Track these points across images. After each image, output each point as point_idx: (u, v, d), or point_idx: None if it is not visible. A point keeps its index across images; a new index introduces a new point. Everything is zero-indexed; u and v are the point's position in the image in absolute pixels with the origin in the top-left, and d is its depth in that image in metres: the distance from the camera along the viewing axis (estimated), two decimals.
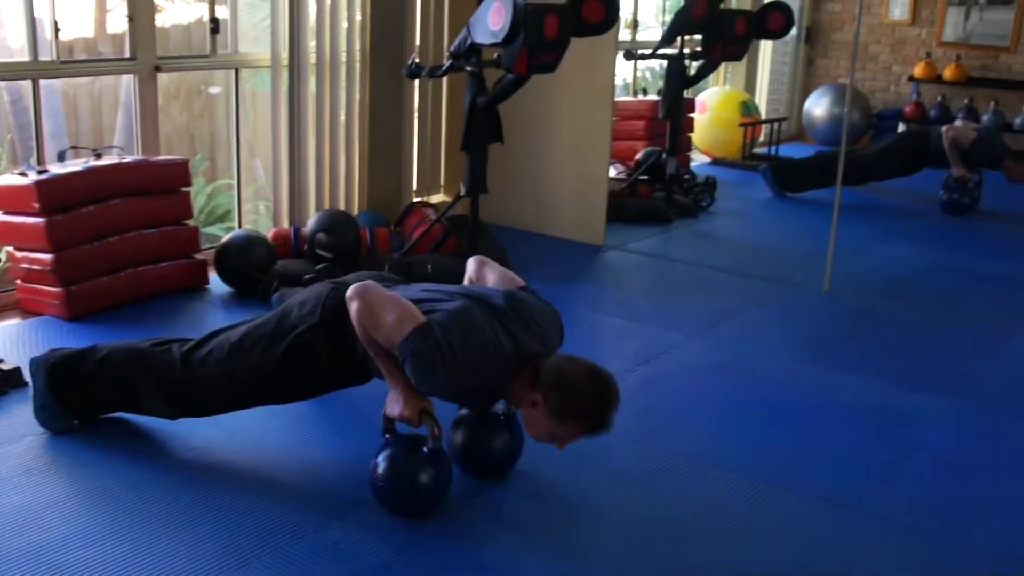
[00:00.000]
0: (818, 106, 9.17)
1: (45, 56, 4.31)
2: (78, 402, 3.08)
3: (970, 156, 6.77)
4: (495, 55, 4.51)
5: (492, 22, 4.19)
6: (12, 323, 4.06)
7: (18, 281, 4.17)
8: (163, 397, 2.95)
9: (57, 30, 4.31)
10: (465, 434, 2.93)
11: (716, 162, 8.32)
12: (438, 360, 2.47)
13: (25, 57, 4.28)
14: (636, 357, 3.99)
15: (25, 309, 4.16)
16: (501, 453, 2.94)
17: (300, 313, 2.81)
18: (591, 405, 2.56)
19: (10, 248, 4.18)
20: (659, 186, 6.56)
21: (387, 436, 2.72)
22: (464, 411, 2.97)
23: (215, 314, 4.29)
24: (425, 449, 2.66)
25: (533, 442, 2.99)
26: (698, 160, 8.32)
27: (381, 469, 2.68)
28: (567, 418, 2.55)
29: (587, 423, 2.57)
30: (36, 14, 4.22)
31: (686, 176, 7.00)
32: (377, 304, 2.56)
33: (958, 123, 7.13)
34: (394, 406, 2.65)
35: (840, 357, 4.11)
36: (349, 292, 2.62)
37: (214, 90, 7.03)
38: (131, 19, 4.52)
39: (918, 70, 9.10)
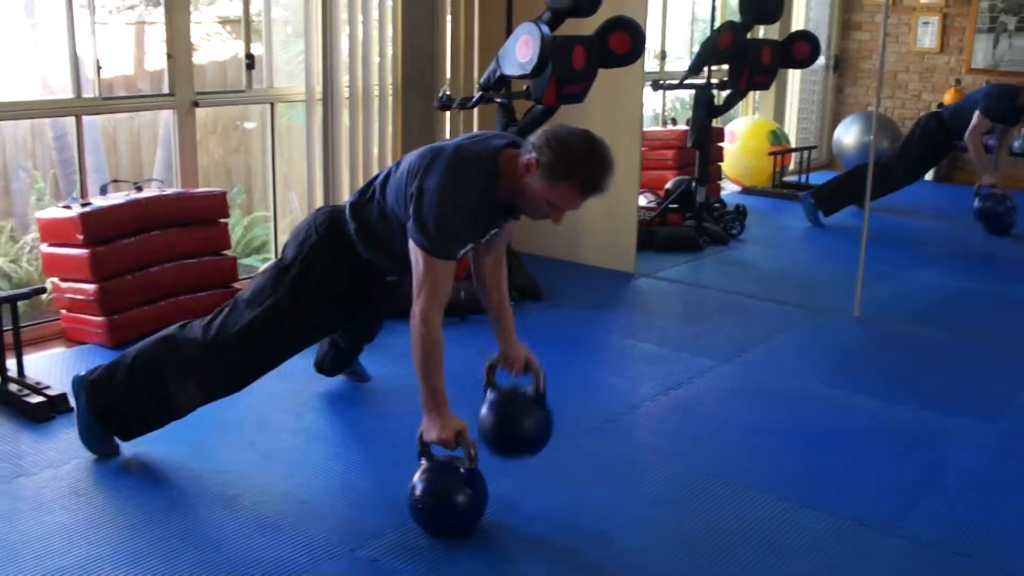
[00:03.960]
0: (848, 134, 9.19)
1: (88, 93, 4.45)
2: (117, 418, 3.13)
3: (993, 113, 6.68)
4: (524, 86, 4.59)
5: (520, 54, 4.27)
6: (57, 351, 4.17)
7: (63, 311, 4.28)
8: (193, 380, 3.00)
9: (99, 68, 4.45)
10: (495, 414, 2.95)
11: (746, 191, 8.35)
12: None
13: (68, 94, 4.42)
14: (667, 382, 4.03)
15: (69, 338, 4.27)
16: (533, 430, 2.95)
17: (296, 243, 2.96)
18: (585, 161, 2.59)
19: (55, 279, 4.30)
20: (689, 214, 6.60)
21: (424, 459, 2.77)
22: (491, 395, 2.98)
23: None
24: (462, 470, 2.71)
25: (559, 451, 3.05)
26: (728, 189, 8.35)
27: (419, 491, 2.72)
28: (561, 177, 2.58)
29: (580, 181, 2.60)
30: (78, 53, 4.35)
31: (716, 204, 7.03)
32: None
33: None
34: (431, 431, 2.71)
35: (870, 381, 4.12)
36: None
37: (249, 125, 7.17)
38: (170, 56, 4.65)
39: (948, 97, 9.10)
